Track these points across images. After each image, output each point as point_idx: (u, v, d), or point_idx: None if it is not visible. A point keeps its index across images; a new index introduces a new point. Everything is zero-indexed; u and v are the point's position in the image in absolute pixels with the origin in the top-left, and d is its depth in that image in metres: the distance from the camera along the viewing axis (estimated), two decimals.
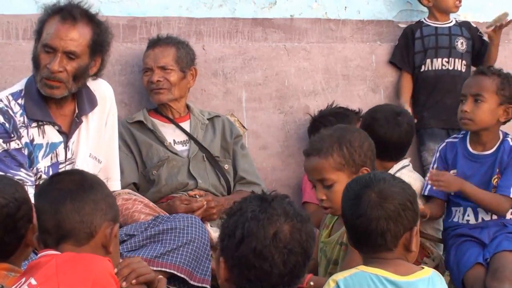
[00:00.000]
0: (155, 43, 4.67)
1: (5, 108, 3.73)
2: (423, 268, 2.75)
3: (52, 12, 3.75)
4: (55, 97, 3.74)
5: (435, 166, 4.33)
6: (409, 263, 2.73)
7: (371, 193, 2.70)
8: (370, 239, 2.70)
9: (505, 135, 4.23)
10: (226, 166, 4.65)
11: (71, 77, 3.71)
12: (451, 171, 4.26)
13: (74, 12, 3.71)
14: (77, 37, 3.70)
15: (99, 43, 3.78)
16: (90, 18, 3.76)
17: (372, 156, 3.37)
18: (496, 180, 4.15)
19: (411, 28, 5.35)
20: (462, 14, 5.51)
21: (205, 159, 4.61)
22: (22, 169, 3.67)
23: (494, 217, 4.17)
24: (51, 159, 3.79)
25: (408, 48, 5.31)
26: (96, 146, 3.93)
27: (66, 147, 3.82)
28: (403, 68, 5.32)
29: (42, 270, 2.56)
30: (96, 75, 3.88)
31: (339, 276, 2.69)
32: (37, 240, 2.73)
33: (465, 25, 5.40)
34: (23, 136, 3.73)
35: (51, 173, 3.77)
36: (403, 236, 2.69)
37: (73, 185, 2.69)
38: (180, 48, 4.67)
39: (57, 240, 2.65)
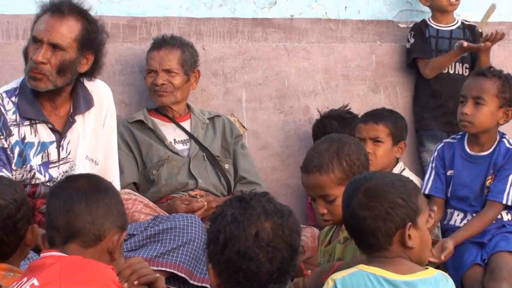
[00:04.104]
0: (160, 44, 4.65)
1: None
2: (427, 268, 2.74)
3: (45, 9, 3.77)
4: (39, 90, 3.71)
5: (433, 165, 4.33)
6: (411, 263, 2.71)
7: (358, 193, 2.71)
8: (363, 239, 2.72)
9: (502, 135, 4.23)
10: (227, 166, 4.65)
11: (54, 70, 3.69)
12: (448, 172, 4.27)
13: (63, 7, 3.72)
14: (63, 29, 3.70)
15: (90, 40, 3.76)
16: (81, 14, 3.76)
17: (367, 166, 3.35)
18: (490, 181, 4.15)
19: (419, 26, 5.34)
20: (462, 14, 5.50)
21: (205, 158, 4.61)
22: (4, 170, 3.65)
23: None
24: (42, 157, 3.77)
25: (426, 43, 5.29)
26: (93, 148, 3.90)
27: (59, 146, 3.81)
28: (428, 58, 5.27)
29: (45, 271, 2.57)
30: (92, 76, 3.86)
31: (338, 276, 2.70)
32: (42, 239, 2.73)
33: (469, 28, 5.37)
34: (13, 135, 3.71)
35: (43, 171, 3.77)
36: (396, 233, 2.69)
37: (88, 186, 2.71)
38: (185, 50, 4.65)
39: (64, 239, 2.65)
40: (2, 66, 4.59)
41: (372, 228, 2.67)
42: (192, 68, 4.68)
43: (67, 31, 3.70)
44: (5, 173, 3.64)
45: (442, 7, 5.31)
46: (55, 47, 3.69)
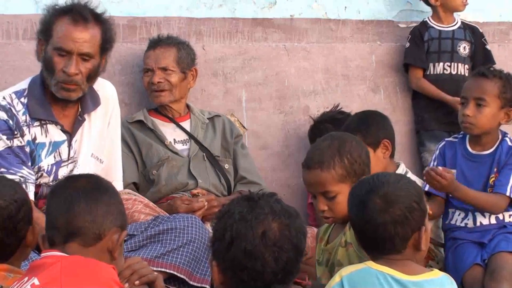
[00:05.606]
0: (156, 43, 4.67)
1: (8, 106, 3.75)
2: (432, 270, 2.75)
3: (61, 13, 3.76)
4: (71, 99, 3.77)
5: (435, 163, 4.32)
6: (417, 265, 2.73)
7: (375, 198, 2.71)
8: (379, 244, 2.72)
9: (504, 134, 4.23)
10: (227, 166, 4.65)
11: (85, 78, 3.74)
12: None
13: (85, 13, 3.73)
14: (89, 38, 3.73)
15: (108, 41, 3.82)
16: (99, 18, 3.79)
17: (369, 163, 3.37)
18: (493, 179, 4.14)
19: (418, 29, 5.34)
20: (463, 14, 5.50)
21: (205, 158, 4.61)
22: (24, 167, 3.69)
23: (493, 221, 4.17)
24: (55, 157, 3.81)
25: (421, 48, 5.29)
26: (98, 146, 3.95)
27: (69, 145, 3.84)
28: (421, 67, 5.27)
29: (46, 271, 2.57)
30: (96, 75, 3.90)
31: (345, 272, 2.71)
32: (42, 239, 2.74)
33: (470, 29, 5.38)
34: (25, 134, 3.75)
35: (53, 171, 3.80)
36: (412, 237, 2.70)
37: (88, 186, 2.72)
38: (181, 48, 4.67)
39: (64, 238, 2.66)
40: (2, 66, 4.59)
41: (391, 233, 2.68)
42: (189, 66, 4.69)
43: (93, 39, 3.74)
44: (25, 170, 3.68)
45: (455, 7, 5.31)
46: (84, 56, 3.72)
